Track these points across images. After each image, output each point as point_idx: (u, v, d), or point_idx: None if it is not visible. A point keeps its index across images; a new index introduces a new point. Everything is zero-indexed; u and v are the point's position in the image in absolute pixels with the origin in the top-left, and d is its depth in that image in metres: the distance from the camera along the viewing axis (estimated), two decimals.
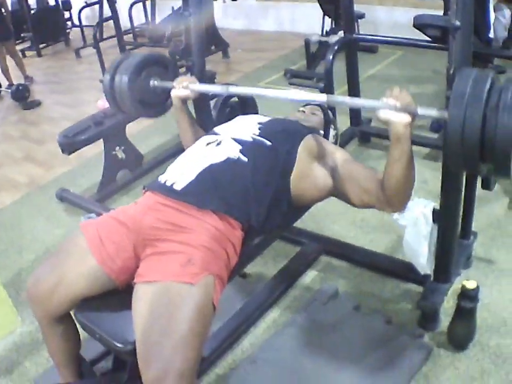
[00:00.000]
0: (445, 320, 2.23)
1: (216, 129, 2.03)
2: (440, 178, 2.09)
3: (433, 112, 1.57)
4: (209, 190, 1.72)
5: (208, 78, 5.46)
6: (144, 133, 4.54)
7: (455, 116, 1.42)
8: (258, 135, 1.88)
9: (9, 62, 6.53)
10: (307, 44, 5.35)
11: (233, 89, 2.11)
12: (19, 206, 3.89)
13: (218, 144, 1.87)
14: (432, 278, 2.28)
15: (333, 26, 5.51)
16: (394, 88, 1.58)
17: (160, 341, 1.46)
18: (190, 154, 1.91)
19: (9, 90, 6.07)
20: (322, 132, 2.21)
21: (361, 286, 2.56)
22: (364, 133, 3.86)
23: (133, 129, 4.02)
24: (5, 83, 6.42)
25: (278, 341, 2.26)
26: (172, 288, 1.53)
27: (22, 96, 6.00)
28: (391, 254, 2.66)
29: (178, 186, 1.74)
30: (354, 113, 3.81)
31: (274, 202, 1.81)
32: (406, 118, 1.53)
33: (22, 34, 8.63)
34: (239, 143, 1.85)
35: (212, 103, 3.01)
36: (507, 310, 2.33)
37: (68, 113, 5.59)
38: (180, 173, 1.80)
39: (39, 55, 8.40)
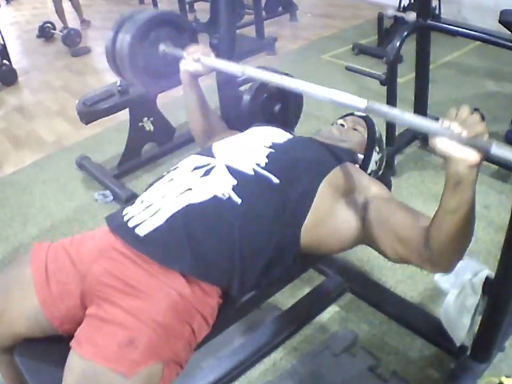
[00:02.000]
0: None
1: (214, 146, 1.56)
2: (508, 207, 1.60)
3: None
4: (179, 243, 1.29)
5: (266, 43, 5.01)
6: (179, 103, 4.12)
7: None
8: (264, 168, 1.41)
9: (66, 3, 6.23)
10: (380, 18, 4.75)
11: (251, 72, 1.58)
12: (37, 168, 3.62)
13: (207, 172, 1.41)
14: (468, 352, 1.81)
15: (412, 1, 4.86)
16: (462, 108, 1.05)
17: None
18: (168, 182, 1.45)
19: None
20: (361, 156, 1.73)
21: (385, 336, 2.11)
22: (426, 135, 3.28)
23: (167, 97, 3.61)
24: (60, 25, 6.13)
25: None
26: (101, 375, 1.14)
27: (73, 42, 5.72)
28: (427, 302, 2.19)
29: (141, 231, 1.31)
30: (419, 110, 3.25)
31: (273, 258, 1.37)
32: (473, 156, 1.02)
33: None
34: (234, 176, 1.39)
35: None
36: None
37: None
38: (148, 210, 1.36)
39: None
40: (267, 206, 1.36)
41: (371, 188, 1.43)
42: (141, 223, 1.33)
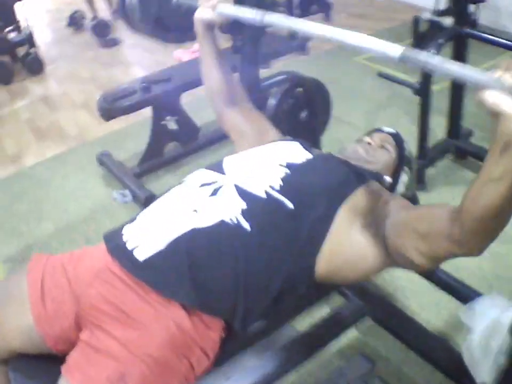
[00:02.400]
0: None
1: (225, 161, 1.44)
2: None
3: None
4: (181, 272, 1.19)
5: (298, 42, 4.87)
6: (204, 102, 4.03)
7: None
8: (278, 191, 1.28)
9: None
10: (416, 21, 4.57)
11: (271, 19, 1.41)
12: (58, 161, 3.56)
13: (214, 192, 1.29)
14: None
15: (449, 5, 4.65)
16: None
17: None
18: (173, 199, 1.34)
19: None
20: (388, 179, 1.59)
21: (403, 366, 1.99)
22: (460, 149, 3.13)
23: (191, 96, 3.52)
24: (91, 15, 6.06)
25: None
26: None
27: (102, 33, 5.63)
28: (451, 331, 2.06)
29: (141, 254, 1.21)
30: (453, 121, 3.10)
31: (284, 289, 1.26)
32: None
33: None
34: (244, 199, 1.27)
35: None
36: None
37: (143, 59, 5.18)
38: (149, 232, 1.26)
39: None
40: (279, 234, 1.25)
41: (390, 202, 1.30)
42: (140, 246, 1.23)
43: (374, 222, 1.27)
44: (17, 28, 5.28)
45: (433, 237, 1.10)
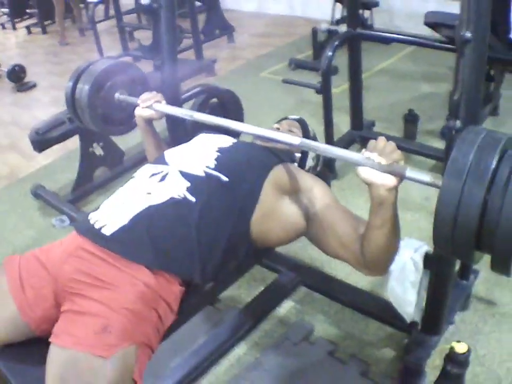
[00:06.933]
0: (431, 373, 1.92)
1: (166, 154, 1.72)
2: None
3: (425, 178, 1.21)
4: (143, 240, 1.45)
5: (206, 64, 5.17)
6: None
7: (449, 190, 1.09)
8: (213, 169, 1.59)
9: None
10: (314, 32, 4.99)
11: (198, 116, 1.79)
12: None
13: (162, 178, 1.58)
14: (419, 327, 1.97)
15: (344, 14, 5.10)
16: (379, 140, 1.29)
17: None
18: (129, 189, 1.62)
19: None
20: (298, 155, 1.91)
21: (341, 324, 2.26)
22: (365, 139, 3.48)
23: None
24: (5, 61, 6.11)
25: None
26: (82, 361, 1.26)
27: (17, 77, 5.74)
28: (378, 288, 2.34)
29: (107, 231, 1.46)
30: (355, 114, 3.46)
31: (228, 249, 1.55)
32: (391, 181, 1.26)
33: (27, 11, 8.36)
34: (187, 179, 1.56)
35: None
36: (504, 365, 2.02)
37: (60, 98, 5.29)
38: (113, 213, 1.51)
39: (44, 32, 8.07)
40: (219, 202, 1.53)
41: (313, 190, 1.60)
42: (106, 224, 1.47)
43: (299, 201, 1.59)
44: None
45: (350, 253, 1.48)
